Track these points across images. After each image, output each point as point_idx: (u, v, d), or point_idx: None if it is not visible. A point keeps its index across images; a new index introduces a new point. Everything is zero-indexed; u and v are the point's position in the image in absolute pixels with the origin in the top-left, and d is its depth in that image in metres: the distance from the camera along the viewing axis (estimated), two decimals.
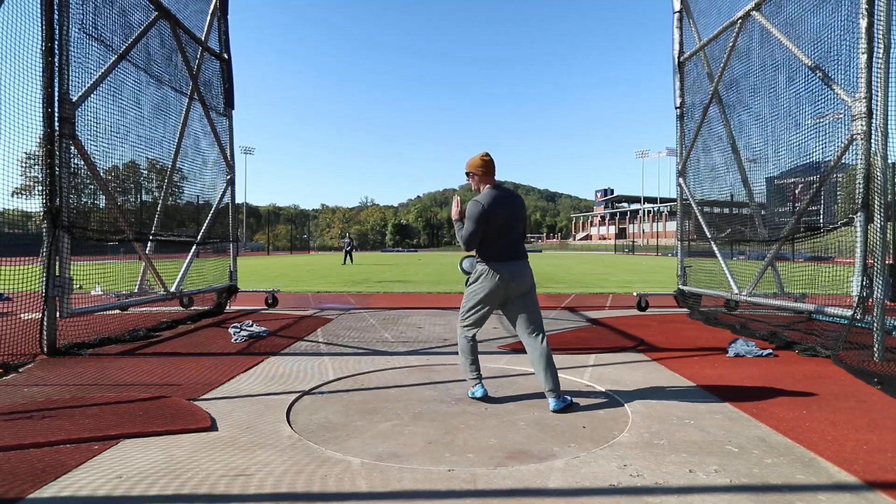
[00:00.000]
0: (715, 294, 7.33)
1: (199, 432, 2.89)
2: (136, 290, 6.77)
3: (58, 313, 4.84)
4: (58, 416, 3.08)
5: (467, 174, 3.66)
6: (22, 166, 5.35)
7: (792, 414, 3.22)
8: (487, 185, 3.59)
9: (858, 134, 4.58)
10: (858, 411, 3.27)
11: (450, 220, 3.83)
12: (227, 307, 8.40)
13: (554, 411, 3.32)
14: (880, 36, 4.41)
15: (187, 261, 7.49)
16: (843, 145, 4.82)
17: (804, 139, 5.49)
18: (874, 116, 4.49)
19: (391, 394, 3.73)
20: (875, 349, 4.42)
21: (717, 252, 7.36)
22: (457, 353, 5.04)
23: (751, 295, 6.43)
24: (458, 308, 3.77)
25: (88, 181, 5.53)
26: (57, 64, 4.79)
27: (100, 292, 6.84)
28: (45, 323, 4.79)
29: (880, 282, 4.39)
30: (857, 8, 4.61)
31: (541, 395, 3.65)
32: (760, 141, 6.45)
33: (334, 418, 3.18)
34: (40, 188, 4.85)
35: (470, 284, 3.59)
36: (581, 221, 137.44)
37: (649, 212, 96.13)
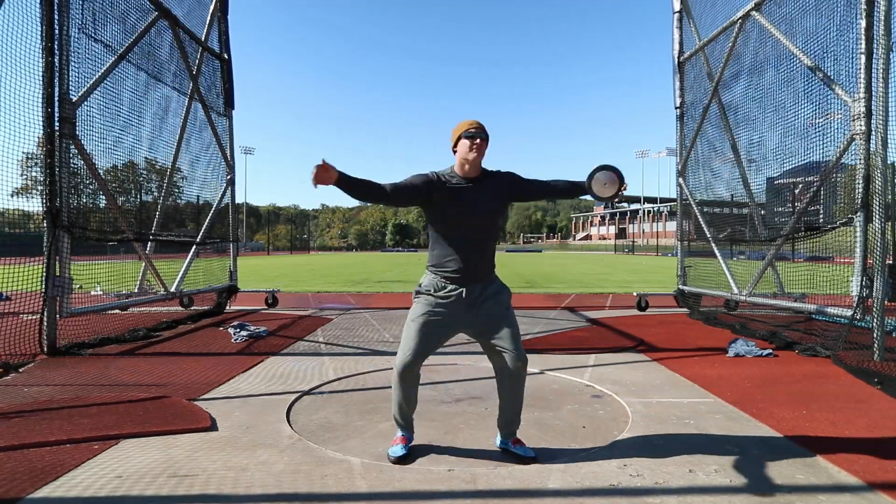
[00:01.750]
0: (715, 294, 7.33)
1: (199, 432, 2.89)
2: (136, 290, 6.77)
3: (58, 313, 4.84)
4: (58, 416, 3.08)
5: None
6: (22, 166, 5.35)
7: (792, 414, 3.22)
8: None
9: (858, 134, 4.58)
10: (858, 411, 3.27)
11: None
12: (227, 307, 8.40)
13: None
14: (880, 36, 4.41)
15: (187, 261, 7.49)
16: (842, 145, 4.82)
17: (804, 139, 5.49)
18: (874, 116, 4.49)
19: (391, 394, 3.72)
20: (875, 349, 4.42)
21: (717, 252, 7.36)
22: (456, 353, 5.07)
23: (751, 295, 6.43)
24: None
25: (88, 181, 5.53)
26: (57, 64, 4.79)
27: (100, 292, 6.84)
28: (45, 323, 4.79)
29: (880, 282, 4.39)
30: (857, 8, 4.61)
31: (541, 395, 3.66)
32: (760, 141, 6.45)
33: (334, 418, 3.18)
34: (40, 188, 4.85)
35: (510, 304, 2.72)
36: (581, 221, 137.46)
37: (649, 212, 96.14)
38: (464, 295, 2.55)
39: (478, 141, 2.50)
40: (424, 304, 2.60)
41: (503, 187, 2.60)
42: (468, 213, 2.53)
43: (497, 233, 2.61)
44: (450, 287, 2.57)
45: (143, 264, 6.78)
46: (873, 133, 4.50)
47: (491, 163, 2.68)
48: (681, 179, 8.37)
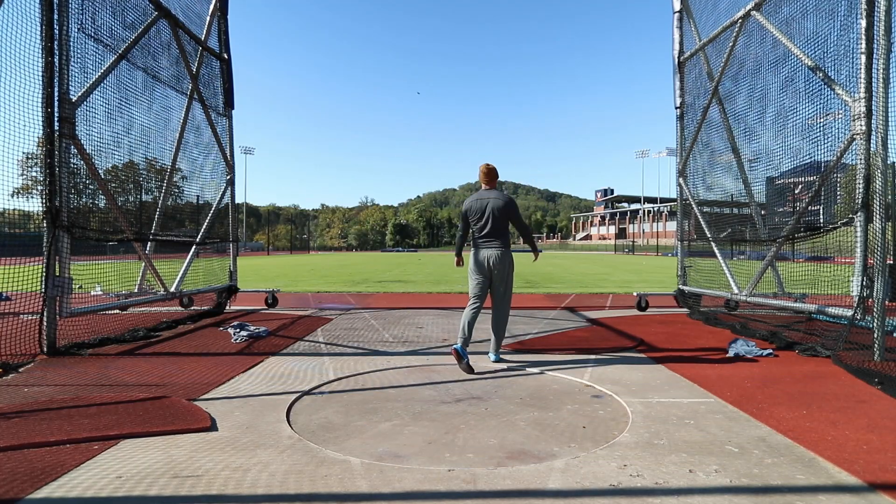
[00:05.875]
0: (715, 294, 7.33)
1: (199, 432, 2.89)
2: (136, 290, 6.77)
3: (58, 313, 4.84)
4: (58, 416, 3.08)
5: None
6: (22, 166, 5.34)
7: (792, 414, 3.22)
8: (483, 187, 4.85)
9: (858, 134, 4.58)
10: (858, 411, 3.27)
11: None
12: (227, 307, 8.40)
13: (493, 362, 4.64)
14: (880, 36, 4.41)
15: (187, 261, 7.48)
16: (843, 145, 4.82)
17: (804, 139, 5.49)
18: (874, 116, 4.49)
19: (391, 394, 3.73)
20: (875, 349, 4.42)
21: (717, 252, 7.36)
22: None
23: (751, 295, 6.43)
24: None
25: (88, 181, 5.53)
26: (57, 64, 4.79)
27: (100, 292, 6.84)
28: (45, 323, 4.78)
29: (881, 282, 4.39)
30: (857, 8, 4.61)
31: (541, 395, 3.66)
32: (760, 141, 6.45)
33: (334, 418, 3.18)
34: (40, 188, 4.84)
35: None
36: (581, 221, 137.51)
37: (649, 212, 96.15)
38: None
39: None
40: None
41: None
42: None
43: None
44: None
45: (143, 264, 6.78)
46: (873, 133, 4.50)
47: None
48: (681, 179, 8.37)
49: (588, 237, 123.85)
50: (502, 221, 4.68)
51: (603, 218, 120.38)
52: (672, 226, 72.97)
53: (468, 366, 4.33)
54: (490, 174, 4.81)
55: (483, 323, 5.62)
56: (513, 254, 4.79)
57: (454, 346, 4.44)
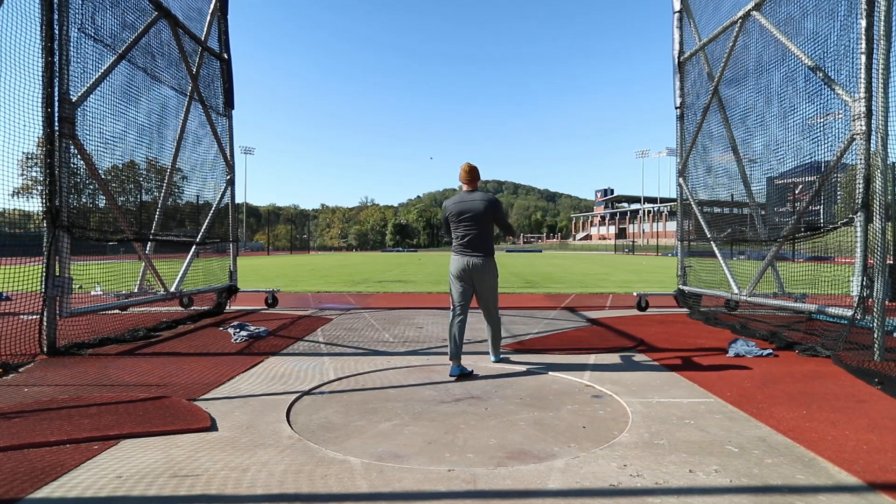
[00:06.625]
0: (715, 294, 7.33)
1: (199, 432, 2.89)
2: (136, 290, 6.77)
3: (58, 313, 4.84)
4: (58, 416, 3.08)
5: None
6: (22, 166, 5.35)
7: (792, 414, 3.22)
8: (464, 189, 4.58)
9: (858, 134, 4.58)
10: (858, 411, 3.27)
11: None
12: (227, 307, 8.40)
13: (493, 363, 4.64)
14: (880, 36, 4.41)
15: (187, 261, 7.48)
16: (843, 145, 4.82)
17: (804, 139, 5.49)
18: (874, 116, 4.49)
19: (391, 394, 3.73)
20: (875, 349, 4.42)
21: (717, 252, 7.36)
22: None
23: (751, 295, 6.43)
24: None
25: (88, 181, 5.53)
26: (57, 64, 4.79)
27: (100, 292, 6.84)
28: (45, 323, 4.78)
29: (881, 282, 4.39)
30: (857, 8, 4.61)
31: (541, 395, 3.66)
32: (760, 141, 6.45)
33: (334, 418, 3.18)
34: (40, 188, 4.84)
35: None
36: (581, 221, 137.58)
37: (649, 212, 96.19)
38: None
39: None
40: None
41: None
42: None
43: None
44: None
45: (143, 264, 6.78)
46: (873, 133, 4.50)
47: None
48: (681, 179, 8.37)
49: (588, 237, 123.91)
50: (485, 227, 4.36)
51: (603, 218, 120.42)
52: (672, 226, 73.01)
53: (469, 373, 4.20)
54: (471, 174, 4.49)
55: (481, 322, 5.62)
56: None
57: (450, 371, 4.16)
